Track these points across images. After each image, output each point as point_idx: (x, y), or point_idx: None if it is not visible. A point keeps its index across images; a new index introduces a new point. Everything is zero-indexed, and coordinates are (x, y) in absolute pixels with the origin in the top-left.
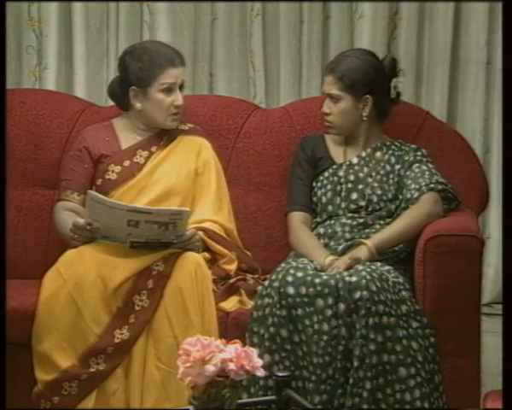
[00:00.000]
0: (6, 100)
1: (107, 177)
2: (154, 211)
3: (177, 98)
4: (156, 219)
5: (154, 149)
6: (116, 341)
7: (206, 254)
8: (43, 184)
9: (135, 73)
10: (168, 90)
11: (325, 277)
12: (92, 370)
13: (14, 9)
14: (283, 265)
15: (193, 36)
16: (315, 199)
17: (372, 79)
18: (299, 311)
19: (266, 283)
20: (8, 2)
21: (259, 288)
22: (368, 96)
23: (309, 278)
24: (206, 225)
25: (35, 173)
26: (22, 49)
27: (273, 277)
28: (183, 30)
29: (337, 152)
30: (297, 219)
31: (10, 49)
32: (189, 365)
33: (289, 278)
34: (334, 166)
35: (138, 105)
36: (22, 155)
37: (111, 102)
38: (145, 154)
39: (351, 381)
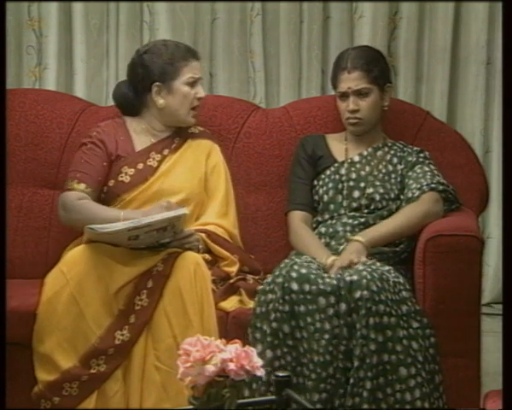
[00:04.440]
0: (6, 100)
1: (120, 179)
2: (153, 222)
3: (200, 91)
4: (155, 227)
5: (166, 152)
6: (117, 342)
7: (207, 256)
8: (43, 184)
9: (158, 68)
10: (193, 83)
11: (328, 279)
12: (93, 371)
13: (14, 9)
14: (287, 261)
15: (193, 36)
16: (316, 197)
17: (388, 68)
18: (302, 307)
19: (270, 279)
20: (8, 2)
21: (260, 287)
22: (389, 84)
23: (312, 276)
24: (210, 227)
25: (35, 173)
26: (22, 49)
27: (276, 272)
28: (183, 30)
29: (338, 150)
30: (297, 218)
31: (10, 49)
32: (189, 365)
33: (293, 274)
34: (336, 165)
35: (161, 102)
36: (22, 155)
37: (111, 102)
38: (158, 157)
39: (351, 381)
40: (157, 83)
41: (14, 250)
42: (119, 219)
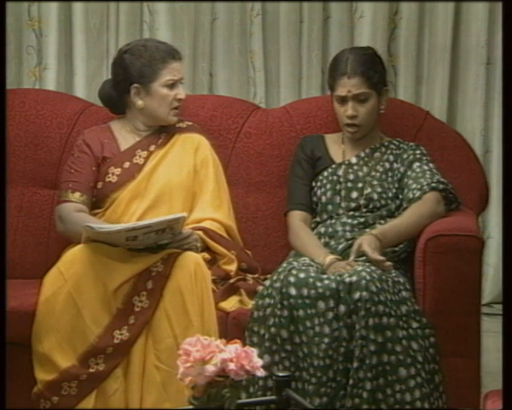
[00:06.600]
0: (6, 100)
1: (107, 179)
2: (152, 224)
3: (180, 92)
4: (154, 229)
5: (152, 148)
6: (116, 341)
7: (206, 255)
8: (43, 184)
9: (137, 70)
10: (172, 84)
11: (327, 281)
12: (92, 370)
13: (14, 9)
14: (285, 265)
15: (193, 36)
16: (315, 199)
17: (385, 70)
18: (301, 312)
19: (267, 283)
20: (8, 2)
21: (260, 288)
22: (386, 88)
23: (311, 280)
24: (206, 224)
25: (35, 173)
26: (22, 49)
27: (274, 277)
28: (183, 30)
29: (336, 152)
30: (297, 217)
31: (10, 49)
32: (189, 365)
33: (291, 279)
34: (334, 166)
35: (140, 102)
36: (22, 155)
37: None
38: (144, 154)
39: (351, 382)
40: (135, 84)
41: (14, 250)
42: None
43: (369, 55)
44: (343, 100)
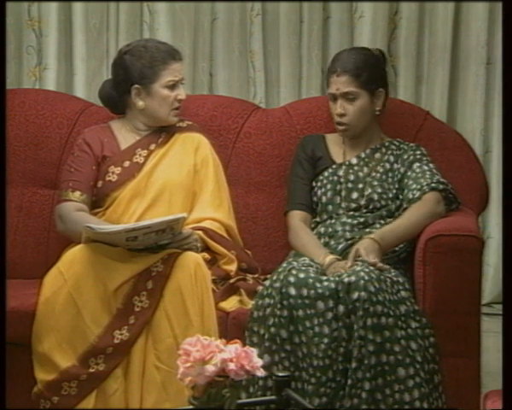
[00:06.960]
0: (6, 100)
1: (107, 178)
2: (152, 224)
3: (180, 93)
4: (154, 229)
5: (152, 147)
6: (116, 341)
7: (206, 255)
8: (43, 184)
9: (137, 70)
10: (173, 85)
11: (326, 282)
12: (92, 370)
13: (14, 9)
14: (285, 265)
15: (193, 36)
16: (315, 199)
17: (381, 72)
18: (300, 312)
19: (267, 283)
20: (8, 2)
21: (259, 288)
22: (381, 89)
23: (310, 281)
24: (206, 224)
25: (35, 173)
26: (22, 49)
27: (274, 277)
28: (183, 30)
29: (337, 152)
30: (297, 217)
31: (10, 49)
32: (189, 365)
33: (291, 279)
34: (334, 166)
35: (140, 103)
36: (22, 155)
37: None
38: (144, 153)
39: (349, 382)
40: (136, 85)
41: (14, 250)
42: None
43: (364, 55)
44: (334, 98)
